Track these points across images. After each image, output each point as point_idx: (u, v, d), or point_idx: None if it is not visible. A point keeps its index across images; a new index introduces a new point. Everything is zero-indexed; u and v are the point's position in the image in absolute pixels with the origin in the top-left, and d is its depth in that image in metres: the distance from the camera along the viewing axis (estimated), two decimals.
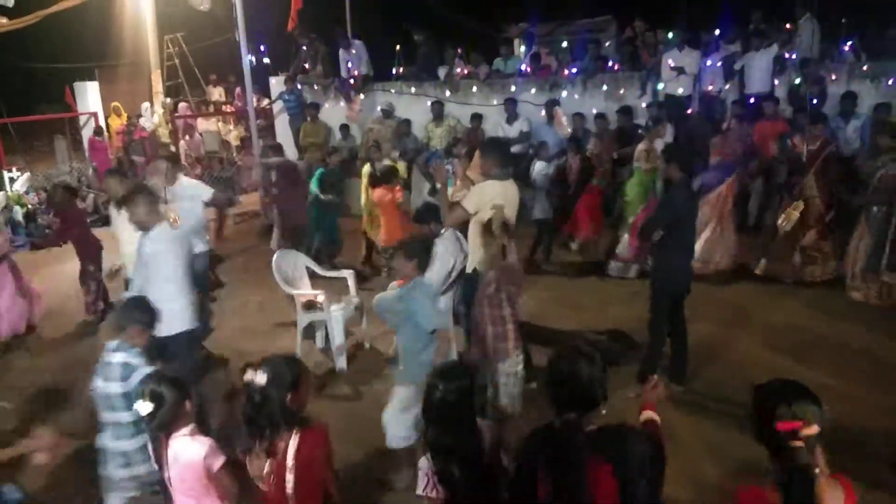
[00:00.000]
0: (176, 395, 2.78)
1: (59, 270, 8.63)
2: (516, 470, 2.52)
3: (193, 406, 2.89)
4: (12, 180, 12.31)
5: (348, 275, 6.35)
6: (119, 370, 3.39)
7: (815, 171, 6.88)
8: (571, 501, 2.28)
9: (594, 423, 2.40)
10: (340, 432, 4.65)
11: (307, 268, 6.36)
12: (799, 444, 2.15)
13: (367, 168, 8.34)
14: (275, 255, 6.11)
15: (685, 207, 4.96)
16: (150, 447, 2.95)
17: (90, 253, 7.15)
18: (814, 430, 2.15)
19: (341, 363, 5.75)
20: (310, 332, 6.17)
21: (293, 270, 6.23)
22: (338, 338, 5.73)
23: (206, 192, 6.15)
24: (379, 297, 5.94)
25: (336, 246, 8.38)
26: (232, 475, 2.83)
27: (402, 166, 9.08)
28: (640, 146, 7.76)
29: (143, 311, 3.64)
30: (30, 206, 11.51)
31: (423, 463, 2.62)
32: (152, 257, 4.44)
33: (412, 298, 3.93)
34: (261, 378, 2.55)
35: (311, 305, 5.91)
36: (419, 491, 2.63)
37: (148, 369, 3.36)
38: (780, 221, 6.77)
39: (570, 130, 9.75)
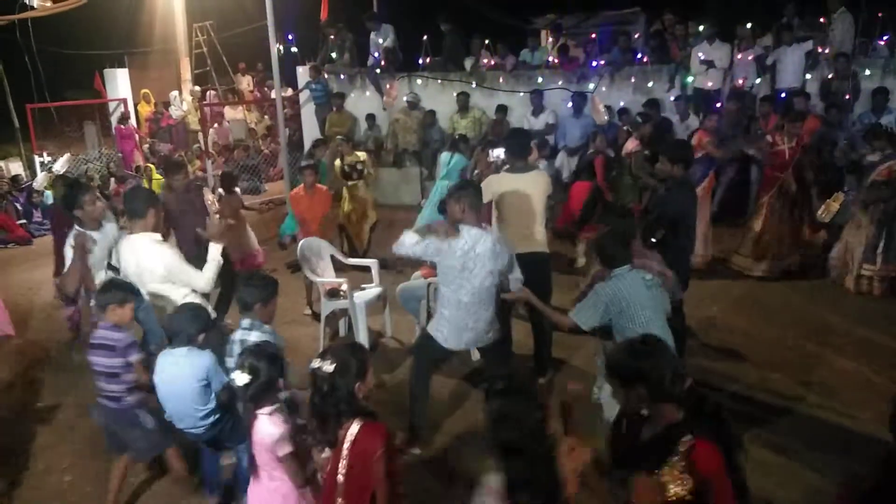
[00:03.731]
0: (270, 370, 2.86)
1: None
2: None
3: (285, 385, 2.97)
4: (43, 164, 12.49)
5: (372, 264, 6.37)
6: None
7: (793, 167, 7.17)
8: None
9: None
10: None
11: (331, 256, 6.40)
12: None
13: (337, 162, 8.16)
14: (300, 243, 6.15)
15: (688, 205, 4.92)
16: None
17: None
18: None
19: None
20: (332, 320, 6.20)
21: (317, 258, 6.27)
22: (361, 326, 5.76)
23: None
24: (402, 286, 5.99)
25: None
26: (297, 464, 2.85)
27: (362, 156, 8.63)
28: (629, 145, 7.73)
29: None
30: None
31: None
32: None
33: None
34: (328, 367, 2.55)
35: (334, 293, 5.95)
36: None
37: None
38: (819, 213, 6.81)
39: (606, 118, 9.70)
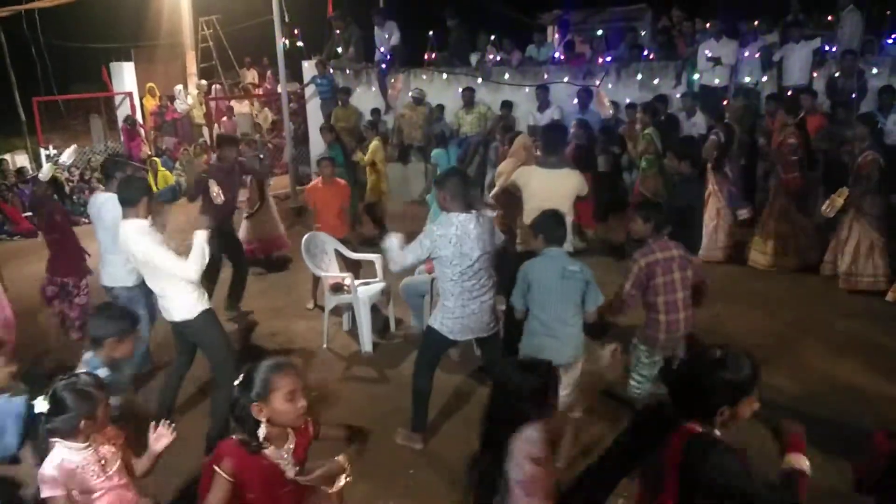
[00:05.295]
0: (77, 406, 2.59)
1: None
2: None
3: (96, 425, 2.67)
4: (49, 157, 12.52)
5: (376, 258, 6.37)
6: None
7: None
8: None
9: None
10: (365, 415, 4.72)
11: (336, 250, 6.41)
12: None
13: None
14: (304, 237, 6.16)
15: (696, 201, 4.94)
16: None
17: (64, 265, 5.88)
18: None
19: (367, 346, 5.80)
20: (336, 314, 6.22)
21: (321, 252, 6.28)
22: (364, 320, 5.77)
23: None
24: (406, 281, 5.99)
25: None
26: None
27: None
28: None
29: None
30: (66, 184, 11.72)
31: None
32: None
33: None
34: (237, 380, 2.52)
35: (338, 288, 5.96)
36: None
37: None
38: (823, 208, 6.80)
39: (611, 112, 9.71)
